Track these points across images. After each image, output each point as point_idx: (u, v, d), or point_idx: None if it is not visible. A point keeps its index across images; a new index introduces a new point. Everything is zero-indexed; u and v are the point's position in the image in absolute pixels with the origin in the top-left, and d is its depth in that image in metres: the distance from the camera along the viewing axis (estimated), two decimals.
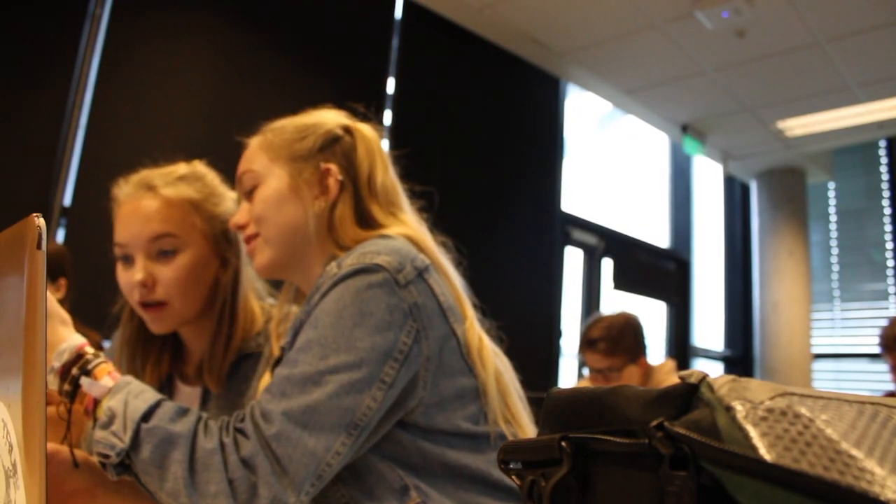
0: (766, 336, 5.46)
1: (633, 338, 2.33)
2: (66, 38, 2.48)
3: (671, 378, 2.27)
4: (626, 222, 4.97)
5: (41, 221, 0.39)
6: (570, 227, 4.38)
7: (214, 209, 1.16)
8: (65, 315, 0.87)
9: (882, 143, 5.56)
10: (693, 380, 0.34)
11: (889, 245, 5.51)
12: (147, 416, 0.80)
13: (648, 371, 2.35)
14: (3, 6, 2.33)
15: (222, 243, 1.16)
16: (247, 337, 1.16)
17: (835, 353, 5.68)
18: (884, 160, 5.60)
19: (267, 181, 1.01)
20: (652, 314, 5.17)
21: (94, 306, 2.21)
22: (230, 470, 0.76)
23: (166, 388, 1.20)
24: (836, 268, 5.80)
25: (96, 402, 0.83)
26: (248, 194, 1.03)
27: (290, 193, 1.00)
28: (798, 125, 4.84)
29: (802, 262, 5.55)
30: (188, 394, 1.20)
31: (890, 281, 5.45)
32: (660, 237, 5.34)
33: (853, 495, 0.25)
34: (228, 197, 1.19)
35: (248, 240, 1.03)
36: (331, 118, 1.09)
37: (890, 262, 5.48)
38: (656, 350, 5.15)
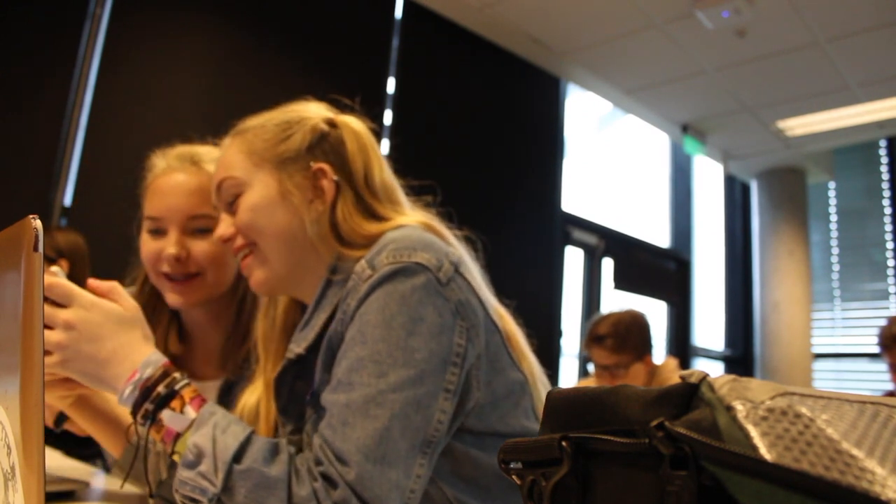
0: (766, 336, 5.46)
1: (640, 335, 2.33)
2: (66, 38, 2.48)
3: (675, 376, 2.27)
4: (627, 222, 4.97)
5: (38, 223, 0.38)
6: (571, 227, 4.38)
7: None
8: (148, 331, 0.82)
9: (882, 143, 5.56)
10: (693, 379, 0.34)
11: (889, 245, 5.51)
12: (238, 456, 0.73)
13: (653, 369, 2.36)
14: (3, 6, 2.33)
15: None
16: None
17: (835, 353, 5.68)
18: (884, 160, 5.60)
19: (252, 188, 0.91)
20: (652, 314, 5.17)
21: None
22: None
23: None
24: (836, 267, 5.80)
25: (177, 434, 0.76)
26: (230, 205, 0.93)
27: (280, 199, 0.90)
28: (798, 125, 4.83)
29: (802, 262, 5.55)
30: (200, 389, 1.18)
31: (890, 281, 5.45)
32: (660, 237, 5.34)
33: (854, 495, 0.25)
34: None
35: (239, 253, 0.93)
36: (313, 111, 0.99)
37: (890, 262, 5.48)
38: (657, 349, 5.15)
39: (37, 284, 0.38)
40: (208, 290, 1.11)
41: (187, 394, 0.78)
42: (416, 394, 0.74)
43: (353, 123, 0.99)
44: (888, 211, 5.55)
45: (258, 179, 0.91)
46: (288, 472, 0.72)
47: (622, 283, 4.77)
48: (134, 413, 0.77)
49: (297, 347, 0.88)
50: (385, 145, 3.41)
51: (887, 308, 5.45)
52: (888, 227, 5.52)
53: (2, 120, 2.31)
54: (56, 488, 1.06)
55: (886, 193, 5.58)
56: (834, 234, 5.86)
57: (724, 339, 5.92)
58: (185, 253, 1.08)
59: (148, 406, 0.76)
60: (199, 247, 1.09)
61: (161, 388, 0.77)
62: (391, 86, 3.49)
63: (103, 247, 1.99)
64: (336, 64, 3.25)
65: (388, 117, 3.44)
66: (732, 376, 0.33)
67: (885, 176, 5.59)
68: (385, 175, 0.98)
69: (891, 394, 3.50)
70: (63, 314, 0.77)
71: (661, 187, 5.50)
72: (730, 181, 5.99)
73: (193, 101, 2.79)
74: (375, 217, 0.92)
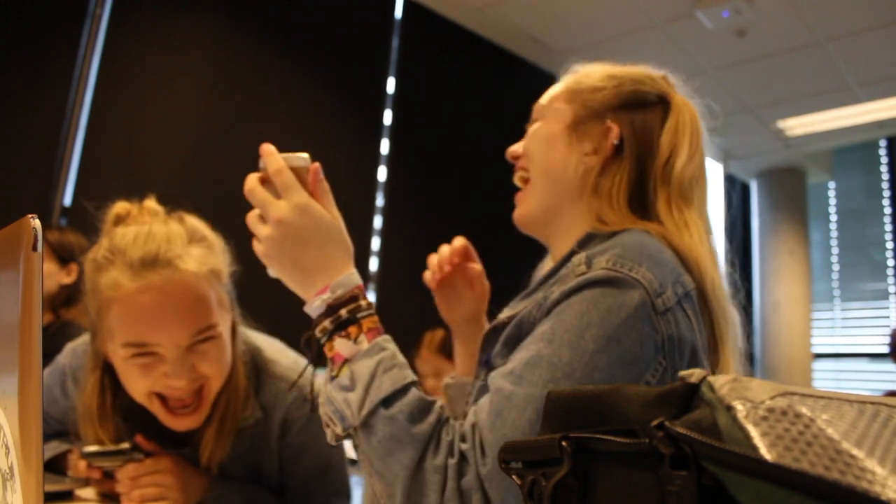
0: (766, 336, 5.46)
1: None
2: (66, 38, 2.48)
3: None
4: None
5: (36, 223, 0.38)
6: None
7: (224, 269, 1.02)
8: (349, 244, 0.79)
9: (882, 143, 5.56)
10: (694, 379, 0.34)
11: (889, 245, 5.51)
12: (388, 401, 0.71)
13: None
14: (3, 6, 2.33)
15: (232, 307, 1.05)
16: (241, 411, 1.05)
17: (835, 353, 5.68)
18: (884, 160, 5.60)
19: (547, 118, 0.94)
20: None
21: None
22: (446, 496, 0.69)
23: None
24: (836, 267, 5.80)
25: (345, 360, 0.75)
26: (531, 126, 0.97)
27: (562, 137, 0.90)
28: (798, 125, 4.83)
29: (802, 262, 5.55)
30: (184, 453, 1.08)
31: (890, 280, 5.45)
32: None
33: (854, 495, 0.25)
34: (220, 248, 1.04)
35: (518, 171, 0.95)
36: (649, 79, 0.95)
37: (890, 262, 5.48)
38: None
39: (36, 284, 0.38)
40: (213, 397, 1.00)
41: (366, 323, 0.76)
42: None
43: (685, 106, 0.93)
44: (888, 211, 5.55)
45: (556, 113, 0.93)
46: (429, 436, 0.71)
47: None
48: (314, 326, 0.77)
49: (508, 312, 0.87)
50: (385, 145, 3.41)
51: (887, 308, 5.45)
52: (888, 227, 5.52)
53: (2, 120, 2.31)
54: (55, 488, 1.06)
55: (886, 193, 5.58)
56: (834, 234, 5.87)
57: None
58: (192, 372, 0.94)
59: (327, 325, 0.76)
60: (206, 360, 0.95)
61: (344, 312, 0.75)
62: (391, 86, 3.49)
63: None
64: (336, 64, 3.25)
65: (388, 117, 3.44)
66: (732, 376, 0.33)
67: (885, 176, 5.59)
68: (691, 166, 0.88)
69: (892, 393, 3.50)
70: (276, 210, 0.76)
71: None
72: (729, 181, 6.00)
73: (193, 100, 2.79)
74: (642, 208, 0.86)
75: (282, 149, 0.83)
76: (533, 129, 0.95)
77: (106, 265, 0.93)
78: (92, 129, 2.50)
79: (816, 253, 5.84)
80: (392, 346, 0.76)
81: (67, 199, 2.43)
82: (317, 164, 0.80)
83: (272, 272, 0.80)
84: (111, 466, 1.01)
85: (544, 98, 0.98)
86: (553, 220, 0.91)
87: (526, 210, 0.94)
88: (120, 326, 0.91)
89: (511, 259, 3.75)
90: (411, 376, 0.75)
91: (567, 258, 0.84)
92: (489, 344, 0.89)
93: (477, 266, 1.06)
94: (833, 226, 5.88)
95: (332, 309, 0.76)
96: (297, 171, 0.78)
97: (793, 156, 5.44)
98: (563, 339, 0.71)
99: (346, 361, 0.75)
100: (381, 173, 3.36)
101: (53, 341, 1.94)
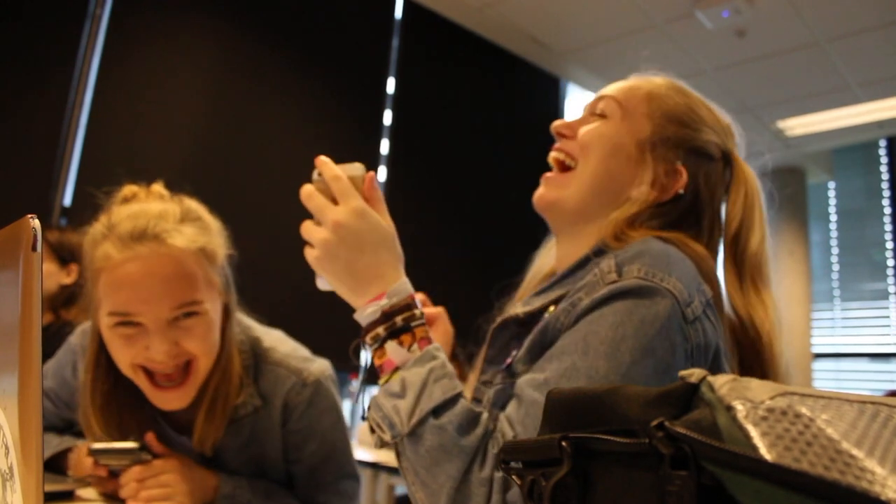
0: None
1: None
2: (66, 38, 2.48)
3: None
4: None
5: (36, 223, 0.38)
6: None
7: (218, 251, 1.03)
8: (401, 252, 0.80)
9: (882, 143, 5.55)
10: (693, 379, 0.34)
11: (889, 245, 5.51)
12: (438, 410, 0.71)
13: None
14: (3, 6, 2.33)
15: (226, 290, 1.05)
16: (235, 397, 1.05)
17: (835, 353, 5.68)
18: (884, 160, 5.59)
19: (618, 122, 0.89)
20: None
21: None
22: None
23: (160, 432, 1.08)
24: (836, 267, 5.80)
25: (396, 367, 0.75)
26: (589, 116, 0.92)
27: (631, 153, 0.87)
28: (798, 125, 4.83)
29: (802, 262, 5.55)
30: (183, 443, 1.10)
31: (890, 280, 5.45)
32: None
33: (853, 495, 0.25)
34: (216, 230, 1.05)
35: (561, 153, 0.92)
36: (723, 131, 0.95)
37: (890, 262, 5.48)
38: None
39: (35, 284, 0.38)
40: (202, 376, 1.00)
41: (419, 332, 0.76)
42: None
43: (749, 172, 0.93)
44: (888, 211, 5.55)
45: (632, 122, 0.89)
46: (476, 448, 0.70)
47: None
48: (365, 332, 0.77)
49: (523, 308, 0.86)
50: (385, 145, 3.41)
51: (887, 308, 5.45)
52: (888, 227, 5.52)
53: (2, 120, 2.31)
54: (55, 488, 1.05)
55: (886, 193, 5.58)
56: (834, 234, 5.86)
57: None
58: (175, 347, 0.95)
59: (380, 331, 0.75)
60: (190, 336, 0.96)
61: (399, 320, 0.75)
62: (391, 86, 3.49)
63: None
64: (336, 64, 3.25)
65: (388, 117, 3.44)
66: (732, 376, 0.33)
67: (885, 176, 5.59)
68: (766, 248, 0.89)
69: (892, 393, 3.50)
70: (334, 213, 0.76)
71: None
72: None
73: (193, 100, 2.79)
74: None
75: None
76: (600, 125, 0.90)
77: (100, 239, 0.96)
78: (92, 129, 2.50)
79: (816, 253, 5.84)
80: (442, 356, 0.76)
81: (67, 199, 2.43)
82: (372, 173, 0.80)
83: (323, 282, 0.79)
84: (118, 465, 1.01)
85: (619, 92, 0.93)
86: (579, 221, 0.90)
87: (558, 198, 0.91)
88: (106, 295, 0.94)
89: (511, 258, 3.75)
90: (460, 387, 0.74)
91: (584, 262, 0.84)
92: (497, 340, 0.88)
93: (434, 310, 1.06)
94: (833, 226, 5.87)
95: (386, 316, 0.75)
96: (353, 180, 0.78)
97: (793, 156, 5.44)
98: (599, 350, 0.71)
99: (396, 369, 0.74)
100: (381, 173, 3.36)
101: (53, 341, 1.94)
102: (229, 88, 2.88)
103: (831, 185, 5.91)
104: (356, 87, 3.35)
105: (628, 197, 0.87)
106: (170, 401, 0.99)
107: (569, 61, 4.11)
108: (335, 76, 3.24)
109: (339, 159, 0.80)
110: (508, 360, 0.82)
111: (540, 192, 0.93)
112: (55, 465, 1.12)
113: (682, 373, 0.34)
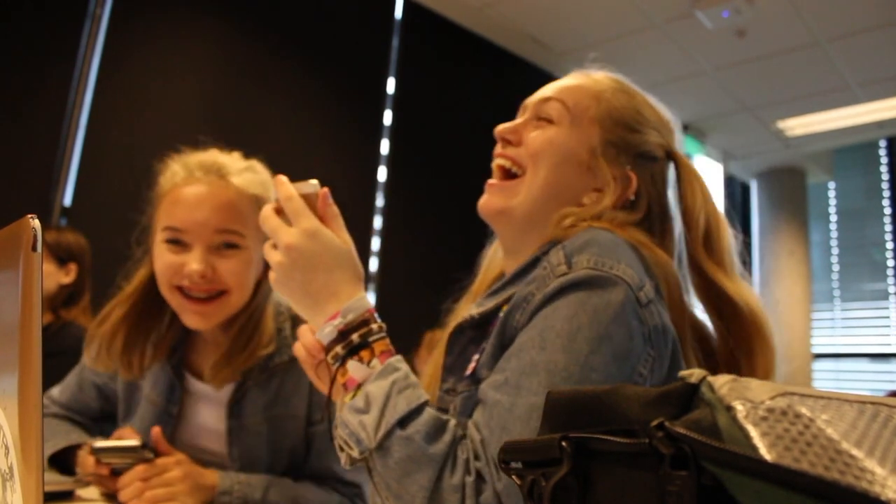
0: None
1: None
2: (66, 38, 2.48)
3: None
4: None
5: (36, 223, 0.38)
6: None
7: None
8: (360, 268, 0.80)
9: (882, 143, 5.56)
10: (694, 379, 0.34)
11: (889, 245, 5.51)
12: (404, 421, 0.71)
13: None
14: (3, 6, 2.33)
15: None
16: (263, 348, 1.12)
17: (835, 353, 5.68)
18: (884, 160, 5.60)
19: (567, 128, 0.89)
20: None
21: (94, 304, 2.20)
22: None
23: (177, 384, 1.15)
24: (836, 267, 5.80)
25: (359, 384, 0.75)
26: (535, 120, 0.92)
27: (582, 161, 0.87)
28: (798, 125, 4.83)
29: (802, 262, 5.55)
30: (204, 392, 1.15)
31: (890, 281, 5.45)
32: None
33: (853, 495, 0.25)
34: (272, 191, 1.15)
35: (507, 160, 0.91)
36: (667, 130, 0.94)
37: (890, 262, 5.48)
38: None
39: (35, 284, 0.38)
40: (230, 309, 1.07)
41: (378, 346, 0.76)
42: None
43: (692, 165, 0.94)
44: (888, 211, 5.55)
45: (580, 128, 0.89)
46: (445, 455, 0.70)
47: None
48: (326, 352, 0.77)
49: (476, 310, 0.86)
50: (385, 145, 3.41)
51: (887, 308, 5.45)
52: (888, 227, 5.52)
53: (2, 120, 2.31)
54: (55, 488, 1.05)
55: (886, 193, 5.58)
56: (834, 234, 5.86)
57: None
58: (211, 270, 1.03)
59: (339, 350, 0.76)
60: (226, 265, 1.04)
61: (355, 337, 0.75)
62: (391, 86, 3.49)
63: (103, 247, 2.00)
64: (336, 64, 3.25)
65: (388, 117, 3.44)
66: (732, 376, 0.33)
67: (885, 176, 5.59)
68: (729, 236, 0.92)
69: (892, 394, 3.50)
70: (286, 236, 0.76)
71: None
72: (729, 181, 5.99)
73: (193, 100, 2.79)
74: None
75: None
76: (549, 132, 0.90)
77: (171, 169, 1.12)
78: (92, 129, 2.50)
79: (816, 253, 5.84)
80: (405, 367, 0.76)
81: (67, 199, 2.43)
82: (325, 190, 0.80)
83: (284, 296, 0.80)
84: (120, 464, 1.01)
85: (565, 94, 0.92)
86: (528, 229, 0.89)
87: (506, 207, 0.90)
88: (164, 213, 1.07)
89: None
90: (425, 396, 0.74)
91: (534, 261, 0.83)
92: (455, 346, 0.87)
93: None
94: (833, 226, 5.88)
95: (343, 335, 0.75)
96: (307, 198, 0.78)
97: (793, 156, 5.44)
98: (556, 344, 0.71)
99: (359, 385, 0.74)
100: (381, 173, 3.36)
101: (53, 341, 1.95)
102: (229, 88, 2.88)
103: (831, 185, 5.91)
104: (356, 87, 3.35)
105: (580, 204, 0.88)
106: (195, 319, 1.06)
107: (569, 61, 4.11)
108: (335, 76, 3.24)
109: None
110: (472, 366, 0.82)
111: (485, 200, 0.93)
112: (64, 461, 1.12)
113: (683, 373, 0.34)
